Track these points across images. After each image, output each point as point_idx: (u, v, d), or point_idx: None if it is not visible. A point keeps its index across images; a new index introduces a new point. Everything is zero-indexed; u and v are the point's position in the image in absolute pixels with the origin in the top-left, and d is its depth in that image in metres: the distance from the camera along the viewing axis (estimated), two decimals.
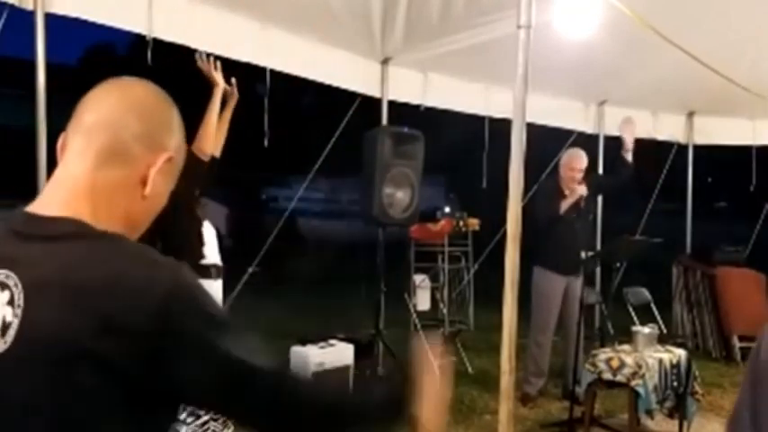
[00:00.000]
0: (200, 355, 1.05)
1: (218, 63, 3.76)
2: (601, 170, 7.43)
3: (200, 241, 3.74)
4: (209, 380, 1.07)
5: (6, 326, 1.03)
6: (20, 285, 1.04)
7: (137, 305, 1.01)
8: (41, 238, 1.07)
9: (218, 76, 3.70)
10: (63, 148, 1.17)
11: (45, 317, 1.02)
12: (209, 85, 3.73)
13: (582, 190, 5.37)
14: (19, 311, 1.02)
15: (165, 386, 1.04)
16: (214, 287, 3.78)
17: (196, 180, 3.67)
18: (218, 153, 3.99)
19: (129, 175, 1.13)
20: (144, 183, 1.13)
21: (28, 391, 1.02)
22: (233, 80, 3.96)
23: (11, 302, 1.03)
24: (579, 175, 5.45)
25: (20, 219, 1.11)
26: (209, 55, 3.72)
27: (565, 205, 5.38)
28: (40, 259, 1.05)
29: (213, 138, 3.64)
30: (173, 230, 3.80)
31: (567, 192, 5.44)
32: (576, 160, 5.50)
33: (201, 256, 3.74)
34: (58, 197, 1.11)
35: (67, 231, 1.07)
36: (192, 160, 3.65)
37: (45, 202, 1.11)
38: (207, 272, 3.75)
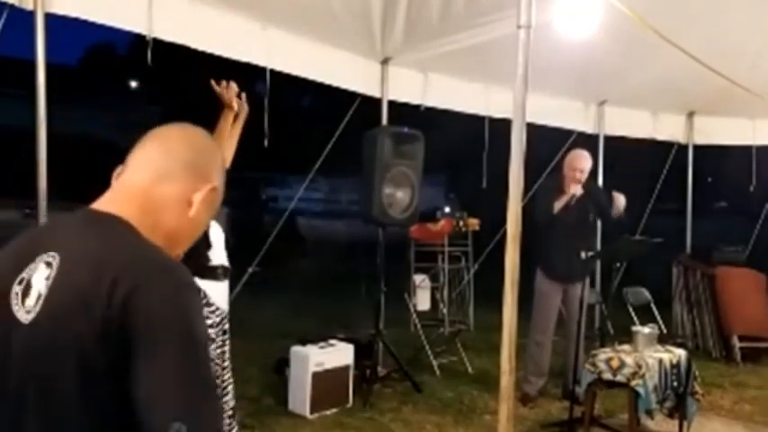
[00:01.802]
0: (154, 367, 1.13)
1: (233, 85, 3.74)
2: (601, 170, 7.44)
3: (206, 244, 3.76)
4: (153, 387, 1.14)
5: (39, 298, 1.19)
6: (58, 264, 1.20)
7: (132, 300, 1.13)
8: (88, 228, 1.26)
9: (234, 101, 3.68)
10: (119, 175, 1.36)
11: (67, 291, 1.17)
12: (209, 88, 3.72)
13: (575, 189, 5.35)
14: (49, 284, 1.19)
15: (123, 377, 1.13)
16: (220, 287, 3.80)
17: None
18: (228, 164, 4.05)
19: (178, 194, 1.32)
20: (190, 205, 1.33)
21: (52, 359, 1.15)
22: (243, 95, 3.98)
23: (47, 278, 1.20)
24: (580, 176, 5.42)
25: (80, 213, 1.31)
26: (220, 81, 3.68)
27: (558, 205, 5.37)
28: (78, 244, 1.22)
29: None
30: None
31: (566, 191, 5.43)
32: (577, 160, 5.47)
33: (208, 259, 3.75)
34: (115, 198, 1.31)
35: (109, 224, 1.25)
36: None
37: (104, 201, 1.32)
38: (214, 273, 3.77)
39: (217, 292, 3.77)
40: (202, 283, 3.72)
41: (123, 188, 1.32)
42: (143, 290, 1.14)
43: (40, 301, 1.18)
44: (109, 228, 1.25)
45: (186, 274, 1.22)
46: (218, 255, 3.82)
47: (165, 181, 1.31)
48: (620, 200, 5.43)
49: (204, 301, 3.71)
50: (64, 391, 1.14)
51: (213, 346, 3.72)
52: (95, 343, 1.12)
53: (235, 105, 3.65)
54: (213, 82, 3.66)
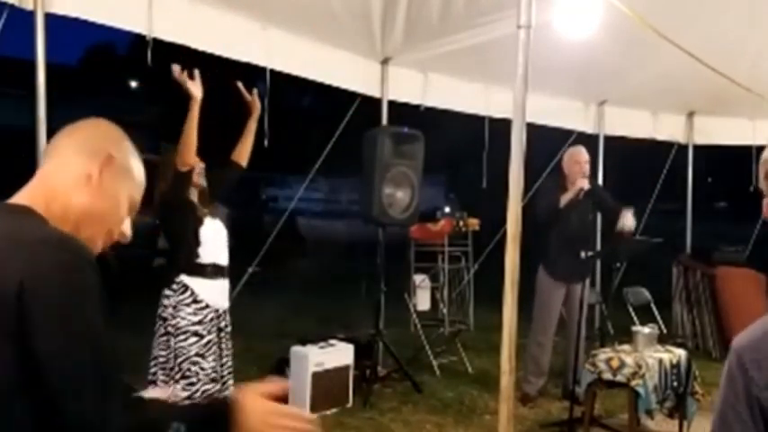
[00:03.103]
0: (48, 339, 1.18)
1: (196, 72, 3.70)
2: (601, 170, 7.44)
3: (196, 241, 3.74)
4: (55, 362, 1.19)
5: None
6: None
7: (22, 276, 1.18)
8: None
9: (194, 89, 3.65)
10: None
11: None
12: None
13: (583, 183, 5.35)
14: None
15: (22, 356, 1.17)
16: (210, 284, 3.78)
17: (182, 187, 3.72)
18: (245, 163, 4.05)
19: (77, 173, 1.39)
20: (91, 178, 1.39)
21: None
22: (254, 91, 3.98)
23: None
24: (587, 167, 5.45)
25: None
26: (186, 67, 3.68)
27: (565, 199, 5.36)
28: None
29: (194, 149, 3.65)
30: (168, 230, 3.84)
31: (573, 186, 5.42)
32: (579, 153, 5.50)
33: (196, 255, 3.74)
34: (26, 190, 1.39)
35: (13, 213, 1.32)
36: (174, 172, 3.68)
37: (18, 194, 1.39)
38: (203, 270, 3.76)
39: (207, 290, 3.76)
40: (190, 280, 3.72)
41: (34, 180, 1.41)
42: (29, 267, 1.19)
43: None
44: (13, 216, 1.32)
45: (74, 248, 1.26)
46: (211, 252, 3.80)
47: (64, 166, 1.40)
48: (627, 218, 5.17)
49: (191, 299, 3.71)
50: None
51: (202, 342, 3.74)
52: None
53: (197, 94, 3.64)
54: (173, 68, 3.64)
